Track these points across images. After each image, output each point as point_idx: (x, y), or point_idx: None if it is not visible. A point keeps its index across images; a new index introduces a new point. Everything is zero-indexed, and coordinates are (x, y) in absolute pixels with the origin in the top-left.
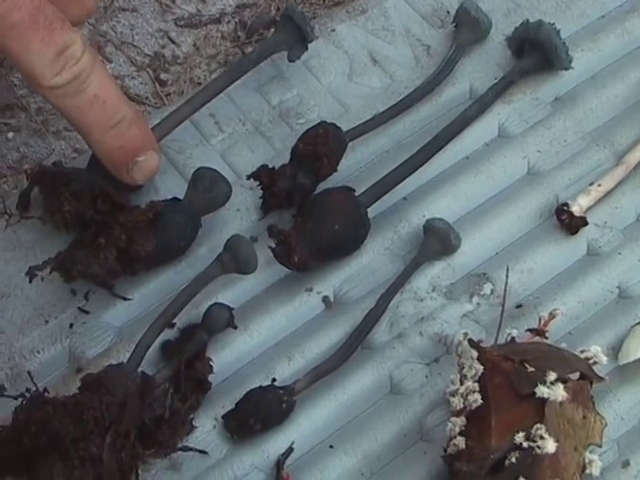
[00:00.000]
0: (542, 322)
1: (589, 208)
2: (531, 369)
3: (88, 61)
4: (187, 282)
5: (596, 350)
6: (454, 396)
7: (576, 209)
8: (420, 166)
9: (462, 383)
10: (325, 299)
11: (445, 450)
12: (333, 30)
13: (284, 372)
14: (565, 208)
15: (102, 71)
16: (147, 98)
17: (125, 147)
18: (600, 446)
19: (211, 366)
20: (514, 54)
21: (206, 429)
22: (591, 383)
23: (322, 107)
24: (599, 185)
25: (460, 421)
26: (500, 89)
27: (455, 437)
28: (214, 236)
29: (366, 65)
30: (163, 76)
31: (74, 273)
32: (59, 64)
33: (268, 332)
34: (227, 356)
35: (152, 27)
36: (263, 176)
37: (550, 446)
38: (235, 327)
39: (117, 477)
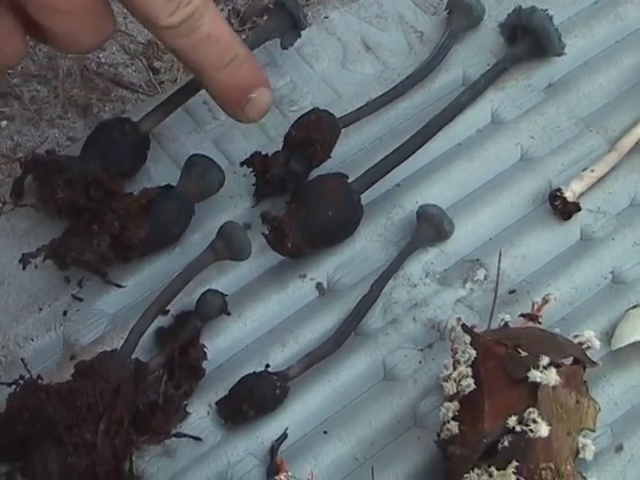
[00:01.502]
0: (535, 307)
1: (582, 194)
2: (524, 354)
3: (200, 1)
4: (180, 269)
5: (589, 335)
6: (447, 381)
7: (569, 195)
8: (413, 153)
9: (455, 368)
10: (318, 285)
11: (438, 435)
12: (326, 17)
13: (278, 358)
14: (558, 194)
15: (214, 11)
16: (140, 86)
17: (239, 85)
18: (593, 431)
19: (205, 353)
20: (507, 41)
21: (200, 415)
22: (584, 368)
23: (315, 94)
24: (592, 171)
25: (453, 406)
26: (493, 76)
27: (448, 422)
28: (207, 223)
29: (359, 52)
30: (156, 64)
31: (68, 260)
32: (173, 4)
33: (262, 319)
34: (221, 343)
35: None
36: (256, 163)
37: (543, 430)
38: (229, 314)
39: (111, 463)
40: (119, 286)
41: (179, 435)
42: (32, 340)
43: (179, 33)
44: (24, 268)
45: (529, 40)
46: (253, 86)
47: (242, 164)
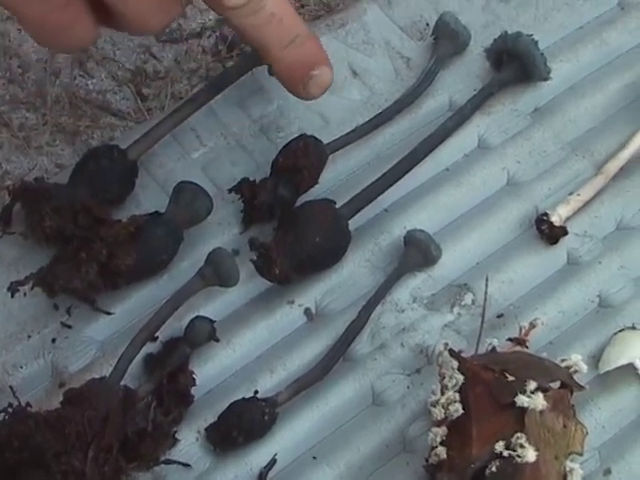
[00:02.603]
0: (523, 332)
1: (569, 218)
2: (511, 378)
3: None
4: (169, 296)
5: (577, 359)
6: (435, 406)
7: (556, 219)
8: (400, 178)
9: (443, 393)
10: (307, 311)
11: (427, 460)
12: None
13: (266, 384)
14: (545, 218)
15: None
16: (129, 113)
17: (301, 63)
18: (581, 454)
19: (194, 379)
20: (493, 66)
21: (189, 442)
22: (572, 392)
23: (302, 120)
24: (578, 195)
25: (441, 431)
26: (479, 101)
27: (436, 447)
28: (196, 250)
29: (346, 78)
30: (144, 91)
31: (56, 288)
32: None
33: (250, 345)
34: (209, 369)
35: (133, 42)
36: (244, 189)
37: (530, 455)
38: (217, 340)
39: None
40: (108, 313)
41: (168, 462)
42: (21, 368)
43: (244, 13)
44: (12, 296)
45: (515, 65)
46: (315, 64)
47: (230, 191)
